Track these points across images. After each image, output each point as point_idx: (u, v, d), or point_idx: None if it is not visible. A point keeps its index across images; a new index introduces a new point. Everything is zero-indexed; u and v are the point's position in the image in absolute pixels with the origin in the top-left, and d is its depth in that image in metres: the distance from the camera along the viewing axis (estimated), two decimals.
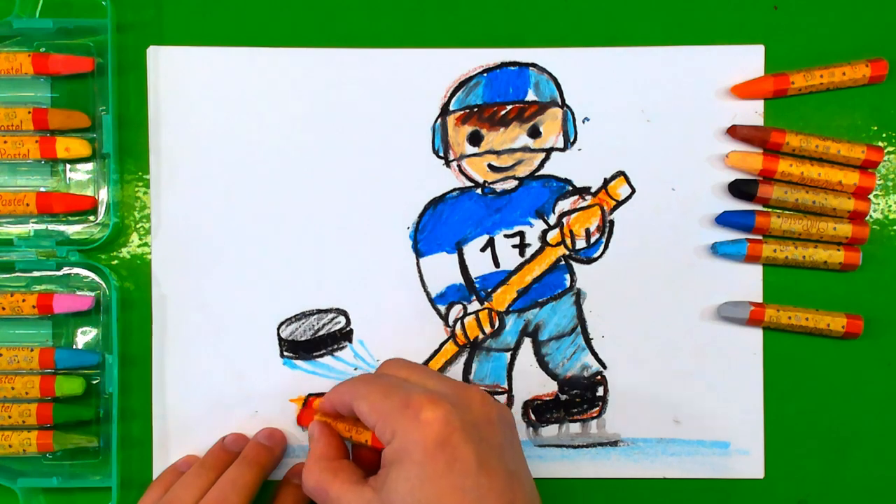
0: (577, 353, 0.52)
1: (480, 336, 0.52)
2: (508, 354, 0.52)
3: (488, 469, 0.41)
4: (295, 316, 0.51)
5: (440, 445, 0.41)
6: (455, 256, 0.52)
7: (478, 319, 0.51)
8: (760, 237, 0.51)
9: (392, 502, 0.41)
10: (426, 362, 0.52)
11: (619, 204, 0.51)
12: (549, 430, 0.52)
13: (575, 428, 0.52)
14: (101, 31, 0.50)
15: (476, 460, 0.41)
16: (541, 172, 0.52)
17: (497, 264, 0.52)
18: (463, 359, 0.52)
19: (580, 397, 0.52)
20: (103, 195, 0.51)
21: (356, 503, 0.42)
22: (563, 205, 0.52)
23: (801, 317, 0.51)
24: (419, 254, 0.52)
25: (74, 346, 0.51)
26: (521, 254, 0.52)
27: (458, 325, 0.52)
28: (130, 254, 0.52)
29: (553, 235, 0.52)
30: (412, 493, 0.40)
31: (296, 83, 0.51)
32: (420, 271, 0.52)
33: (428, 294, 0.52)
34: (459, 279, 0.52)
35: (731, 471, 0.52)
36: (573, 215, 0.51)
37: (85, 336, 0.51)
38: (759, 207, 0.51)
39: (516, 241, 0.52)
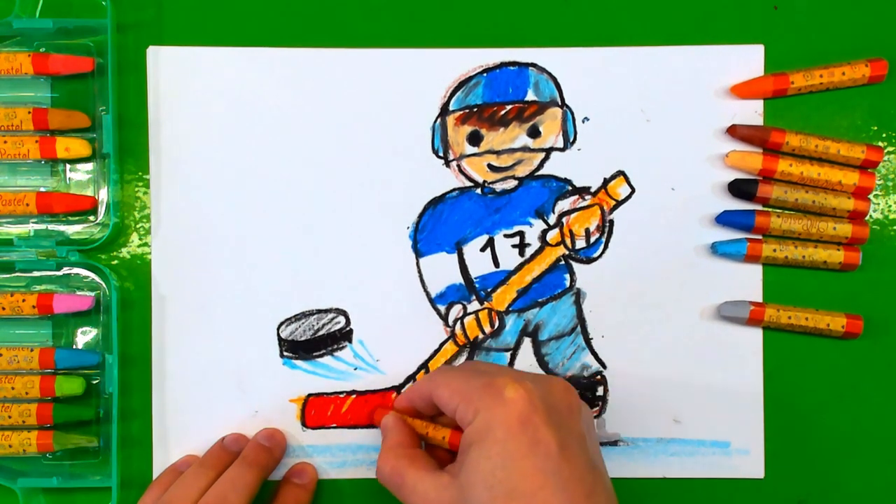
0: (576, 353, 0.52)
1: (480, 336, 0.52)
2: (508, 354, 0.52)
3: (569, 455, 0.40)
4: (295, 316, 0.51)
5: (523, 424, 0.40)
6: (455, 256, 0.52)
7: (478, 319, 0.51)
8: (760, 237, 0.51)
9: (471, 484, 0.40)
10: (426, 362, 0.52)
11: (619, 204, 0.51)
12: None
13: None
14: (101, 31, 0.50)
15: (557, 445, 0.40)
16: (540, 172, 0.52)
17: (497, 264, 0.52)
18: (463, 359, 0.52)
19: (580, 397, 0.51)
20: (103, 195, 0.51)
21: (433, 489, 0.42)
22: (563, 204, 0.52)
23: (801, 316, 0.51)
24: (419, 254, 0.52)
25: (74, 346, 0.51)
26: (521, 254, 0.52)
27: (458, 325, 0.52)
28: (130, 254, 0.52)
29: (553, 235, 0.52)
30: (493, 472, 0.40)
31: (296, 83, 0.51)
32: (420, 271, 0.52)
33: (428, 294, 0.52)
34: (459, 279, 0.52)
35: (731, 471, 0.52)
36: (573, 215, 0.52)
37: (85, 336, 0.51)
38: (758, 207, 0.51)
39: (516, 240, 0.52)
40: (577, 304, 0.52)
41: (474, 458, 0.41)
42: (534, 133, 0.51)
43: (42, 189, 0.51)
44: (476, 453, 0.41)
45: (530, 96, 0.51)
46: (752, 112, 0.51)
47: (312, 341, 0.52)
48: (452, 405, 0.43)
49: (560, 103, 0.51)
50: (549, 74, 0.51)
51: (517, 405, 0.41)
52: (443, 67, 0.51)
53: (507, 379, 0.42)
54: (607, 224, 0.52)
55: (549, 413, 0.41)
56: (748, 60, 0.52)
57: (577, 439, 0.42)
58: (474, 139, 0.51)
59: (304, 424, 0.52)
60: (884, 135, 0.52)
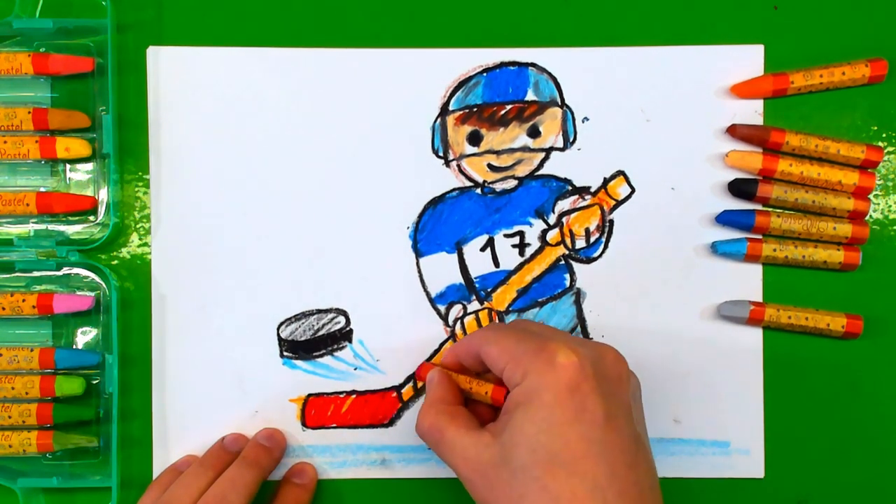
0: None
1: None
2: None
3: (615, 426, 0.40)
4: (295, 316, 0.51)
5: (572, 391, 0.40)
6: (455, 256, 0.52)
7: (478, 319, 0.51)
8: (760, 237, 0.51)
9: (514, 445, 0.40)
10: (424, 362, 0.51)
11: (619, 203, 0.51)
12: None
13: None
14: (101, 31, 0.50)
15: (604, 414, 0.40)
16: (540, 172, 0.52)
17: (497, 264, 0.52)
18: None
19: None
20: (103, 195, 0.51)
21: (473, 447, 0.42)
22: (563, 204, 0.52)
23: (801, 316, 0.51)
24: (419, 254, 0.52)
25: (74, 346, 0.51)
26: (521, 253, 0.52)
27: (458, 324, 0.52)
28: (130, 254, 0.52)
29: (553, 235, 0.52)
30: (537, 436, 0.40)
31: (296, 83, 0.51)
32: (420, 271, 0.52)
33: (428, 294, 0.52)
34: (459, 279, 0.52)
35: (731, 470, 0.52)
36: (573, 215, 0.52)
37: (85, 336, 0.51)
38: (758, 207, 0.51)
39: (516, 240, 0.52)
40: (577, 303, 0.52)
41: (519, 421, 0.40)
42: (534, 133, 0.51)
43: (42, 189, 0.51)
44: (521, 415, 0.40)
45: (530, 96, 0.51)
46: (751, 112, 0.51)
47: (312, 341, 0.52)
48: (501, 364, 0.43)
49: (560, 103, 0.51)
50: (549, 74, 0.51)
51: (568, 371, 0.40)
52: (443, 67, 0.51)
53: (560, 344, 0.41)
54: (607, 224, 0.52)
55: (599, 381, 0.41)
56: (748, 60, 0.52)
57: (624, 410, 0.41)
58: (474, 139, 0.51)
59: (304, 424, 0.52)
60: (884, 135, 0.52)
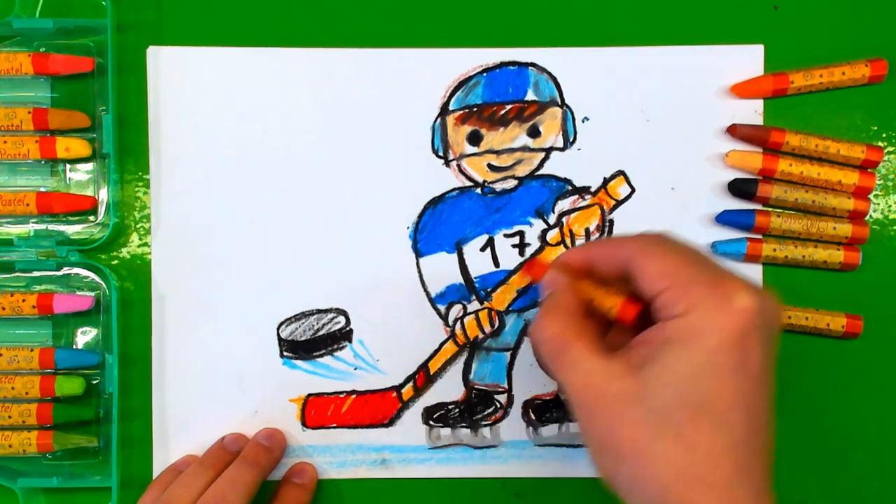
0: None
1: (480, 336, 0.52)
2: (508, 354, 0.52)
3: (767, 380, 0.37)
4: (295, 316, 0.51)
5: (741, 340, 0.36)
6: (455, 256, 0.52)
7: (478, 319, 0.51)
8: (760, 237, 0.51)
9: (660, 384, 0.36)
10: (426, 362, 0.52)
11: (619, 203, 0.51)
12: (550, 430, 0.52)
13: (575, 427, 0.52)
14: (101, 31, 0.50)
15: (762, 367, 0.36)
16: (540, 172, 0.52)
17: (497, 264, 0.52)
18: (463, 358, 0.52)
19: None
20: (103, 195, 0.51)
21: (601, 374, 0.37)
22: (563, 204, 0.52)
23: (801, 316, 0.51)
24: (419, 253, 0.52)
25: (74, 346, 0.51)
26: (521, 253, 0.52)
27: (458, 324, 0.52)
28: (130, 254, 0.52)
29: (553, 235, 0.52)
30: (689, 380, 0.36)
31: (296, 83, 0.51)
32: (420, 271, 0.52)
33: (428, 294, 0.52)
34: (459, 279, 0.52)
35: None
36: (573, 215, 0.51)
37: (85, 336, 0.51)
38: (758, 207, 0.51)
39: (516, 240, 0.52)
40: None
41: (671, 359, 0.36)
42: (534, 133, 0.51)
43: (42, 189, 0.51)
44: (675, 354, 0.36)
45: (530, 96, 0.51)
46: (751, 112, 0.51)
47: (312, 341, 0.52)
48: (659, 286, 0.37)
49: (560, 103, 0.51)
50: (549, 74, 0.51)
51: (743, 318, 0.36)
52: (443, 67, 0.51)
53: (739, 284, 0.37)
54: (607, 224, 0.52)
55: (764, 332, 0.37)
56: (748, 60, 0.52)
57: (773, 363, 0.38)
58: (474, 139, 0.51)
59: (304, 424, 0.52)
60: (884, 135, 0.52)
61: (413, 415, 0.52)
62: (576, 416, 0.38)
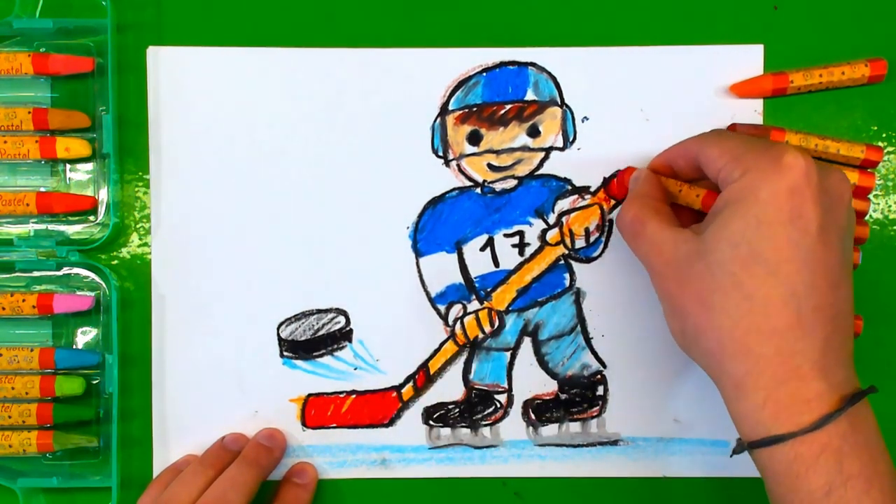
0: (576, 353, 0.52)
1: (480, 335, 0.52)
2: (508, 354, 0.52)
3: (826, 239, 0.39)
4: (295, 316, 0.51)
5: (791, 193, 0.38)
6: (455, 256, 0.52)
7: (477, 319, 0.51)
8: None
9: (716, 239, 0.39)
10: (426, 362, 0.52)
11: (619, 203, 0.51)
12: (550, 430, 0.52)
13: (575, 427, 0.52)
14: (101, 31, 0.50)
15: (819, 225, 0.38)
16: (540, 172, 0.52)
17: (497, 264, 0.52)
18: (463, 358, 0.52)
19: (580, 396, 0.52)
20: (103, 195, 0.51)
21: (671, 241, 0.41)
22: (563, 204, 0.52)
23: None
24: (419, 253, 0.52)
25: (74, 346, 0.51)
26: (521, 253, 0.52)
27: (458, 324, 0.52)
28: (130, 254, 0.52)
29: (552, 235, 0.52)
30: (743, 232, 0.39)
31: (295, 83, 0.51)
32: (420, 271, 0.52)
33: (428, 294, 0.52)
34: (459, 279, 0.52)
35: (731, 470, 0.51)
36: (573, 214, 0.51)
37: (85, 336, 0.51)
38: None
39: (516, 240, 0.52)
40: (577, 303, 0.52)
41: (727, 216, 0.39)
42: (533, 132, 0.51)
43: (42, 189, 0.51)
44: (731, 211, 0.39)
45: (530, 96, 0.51)
46: (751, 111, 0.51)
47: (312, 341, 0.52)
48: (720, 164, 0.41)
49: (560, 103, 0.51)
50: (549, 74, 0.51)
51: (793, 172, 0.39)
52: (442, 67, 0.51)
53: (790, 147, 0.40)
54: (607, 223, 0.51)
55: (821, 192, 0.39)
56: (748, 60, 0.52)
57: (839, 229, 0.40)
58: (474, 139, 0.51)
59: (304, 424, 0.52)
60: (884, 135, 0.52)
61: (413, 415, 0.52)
62: (654, 286, 0.43)
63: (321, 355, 0.52)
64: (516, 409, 0.52)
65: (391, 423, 0.52)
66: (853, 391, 0.39)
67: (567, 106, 0.51)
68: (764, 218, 0.38)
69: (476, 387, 0.52)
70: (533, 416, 0.52)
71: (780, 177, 0.39)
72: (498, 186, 0.52)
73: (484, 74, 0.51)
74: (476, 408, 0.52)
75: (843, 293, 0.40)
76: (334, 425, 0.52)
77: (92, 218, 0.51)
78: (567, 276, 0.52)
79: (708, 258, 0.39)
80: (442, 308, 0.52)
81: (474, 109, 0.51)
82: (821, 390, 0.38)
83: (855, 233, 0.50)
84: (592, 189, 0.52)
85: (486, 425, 0.52)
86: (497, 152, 0.52)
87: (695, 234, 0.41)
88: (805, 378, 0.38)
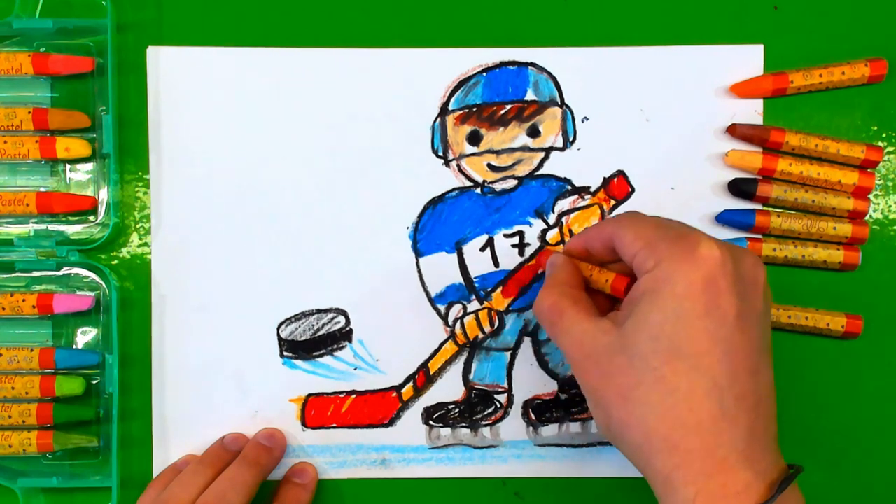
0: None
1: (480, 335, 0.52)
2: (508, 354, 0.52)
3: (744, 327, 0.39)
4: (294, 316, 0.51)
5: (707, 284, 0.38)
6: (454, 256, 0.52)
7: (477, 319, 0.51)
8: (760, 236, 0.51)
9: (635, 331, 0.39)
10: (426, 362, 0.51)
11: (619, 203, 0.51)
12: (550, 430, 0.52)
13: (575, 427, 0.52)
14: (101, 31, 0.50)
15: (736, 314, 0.39)
16: (540, 172, 0.52)
17: (497, 264, 0.52)
18: (463, 358, 0.52)
19: (580, 396, 0.52)
20: (103, 195, 0.51)
21: (591, 332, 0.40)
22: (563, 204, 0.52)
23: (801, 316, 0.51)
24: (419, 253, 0.52)
25: (74, 346, 0.51)
26: (521, 253, 0.52)
27: (458, 324, 0.52)
28: (130, 254, 0.52)
29: (552, 235, 0.52)
30: (662, 326, 0.38)
31: (295, 83, 0.51)
32: (420, 271, 0.52)
33: (427, 294, 0.52)
34: (459, 279, 0.52)
35: None
36: (572, 215, 0.52)
37: (85, 336, 0.51)
38: (758, 206, 0.51)
39: (516, 240, 0.52)
40: None
41: (645, 308, 0.39)
42: (533, 132, 0.51)
43: (42, 189, 0.51)
44: (648, 303, 0.39)
45: (530, 96, 0.51)
46: (751, 111, 0.51)
47: (312, 341, 0.52)
48: (634, 249, 0.41)
49: (560, 103, 0.51)
50: (549, 74, 0.51)
51: (707, 264, 0.39)
52: (442, 67, 0.51)
53: (702, 237, 0.40)
54: None
55: (736, 281, 0.39)
56: (748, 60, 0.52)
57: (755, 314, 0.40)
58: (474, 139, 0.51)
59: (304, 424, 0.52)
60: (884, 135, 0.52)
61: (413, 415, 0.52)
62: (576, 378, 0.42)
63: (321, 355, 0.52)
64: (516, 410, 0.52)
65: (391, 423, 0.52)
66: (780, 476, 0.39)
67: (567, 106, 0.51)
68: (681, 312, 0.38)
69: (476, 387, 0.52)
70: (533, 416, 0.52)
71: (695, 268, 0.39)
72: (498, 186, 0.52)
73: (484, 74, 0.51)
74: (476, 408, 0.52)
75: (764, 378, 0.40)
76: (334, 425, 0.52)
77: (92, 218, 0.51)
78: None
79: (629, 352, 0.39)
80: (442, 308, 0.52)
81: (474, 109, 0.51)
82: (749, 480, 0.38)
83: (854, 233, 0.50)
84: (592, 189, 0.52)
85: (486, 425, 0.52)
86: (497, 152, 0.52)
87: (614, 325, 0.40)
88: (732, 469, 0.38)
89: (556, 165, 0.52)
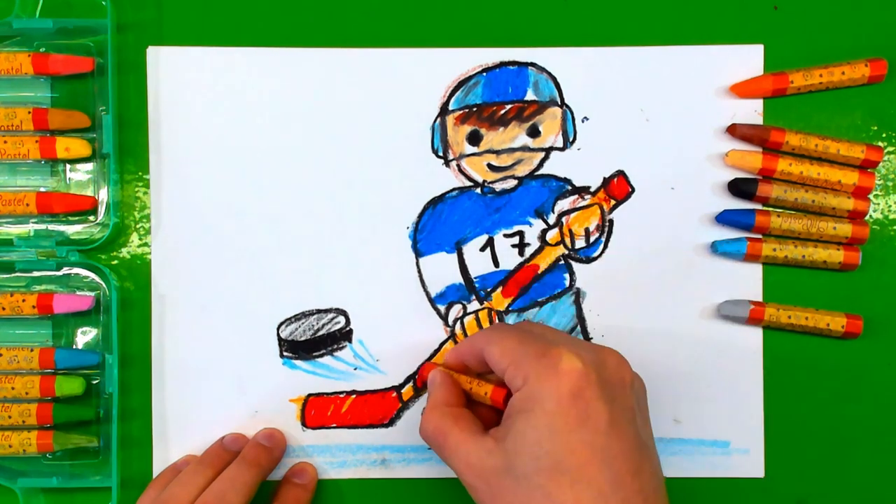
0: None
1: None
2: None
3: (619, 431, 0.40)
4: (294, 316, 0.51)
5: (574, 398, 0.39)
6: (455, 256, 0.52)
7: (477, 319, 0.51)
8: (760, 236, 0.51)
9: (515, 451, 0.40)
10: (426, 362, 0.51)
11: (619, 203, 0.51)
12: None
13: None
14: (101, 31, 0.50)
15: (608, 419, 0.39)
16: (540, 172, 0.52)
17: (497, 264, 0.52)
18: None
19: None
20: (103, 195, 0.51)
21: (476, 452, 0.41)
22: (563, 204, 0.52)
23: (801, 316, 0.51)
24: (419, 253, 0.52)
25: (74, 346, 0.51)
26: (521, 253, 0.52)
27: (458, 324, 0.52)
28: (130, 254, 0.52)
29: (552, 235, 0.52)
30: (539, 443, 0.39)
31: (295, 83, 0.51)
32: (420, 271, 0.52)
33: (428, 294, 0.52)
34: (459, 279, 0.52)
35: (731, 470, 0.52)
36: (572, 215, 0.52)
37: (85, 336, 0.51)
38: (758, 206, 0.51)
39: (516, 240, 0.52)
40: (577, 303, 0.52)
41: (521, 427, 0.40)
42: (533, 132, 0.51)
43: (42, 189, 0.51)
44: (523, 422, 0.40)
45: (530, 96, 0.51)
46: (751, 111, 0.51)
47: (312, 341, 0.52)
48: (502, 366, 0.42)
49: (560, 103, 0.51)
50: (549, 74, 0.51)
51: (571, 378, 0.40)
52: (442, 67, 0.51)
53: (563, 349, 0.40)
54: (607, 224, 0.52)
55: (602, 387, 0.40)
56: (748, 60, 0.52)
57: (628, 415, 0.41)
58: (474, 139, 0.51)
59: (304, 424, 0.52)
60: (884, 135, 0.52)
61: (413, 415, 0.52)
62: (471, 496, 0.42)
63: (321, 355, 0.52)
64: None
65: (391, 423, 0.52)
66: None
67: (567, 106, 0.51)
68: (555, 427, 0.39)
69: None
70: None
71: (560, 384, 0.39)
72: (498, 186, 0.52)
73: (484, 74, 0.51)
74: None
75: (647, 475, 0.40)
76: (334, 425, 0.52)
77: (92, 218, 0.51)
78: (567, 276, 0.52)
79: (513, 472, 0.40)
80: (442, 308, 0.52)
81: (474, 109, 0.51)
82: None
83: (854, 233, 0.50)
84: (592, 189, 0.52)
85: None
86: (497, 152, 0.52)
87: (497, 443, 0.41)
88: None
89: (556, 165, 0.52)
